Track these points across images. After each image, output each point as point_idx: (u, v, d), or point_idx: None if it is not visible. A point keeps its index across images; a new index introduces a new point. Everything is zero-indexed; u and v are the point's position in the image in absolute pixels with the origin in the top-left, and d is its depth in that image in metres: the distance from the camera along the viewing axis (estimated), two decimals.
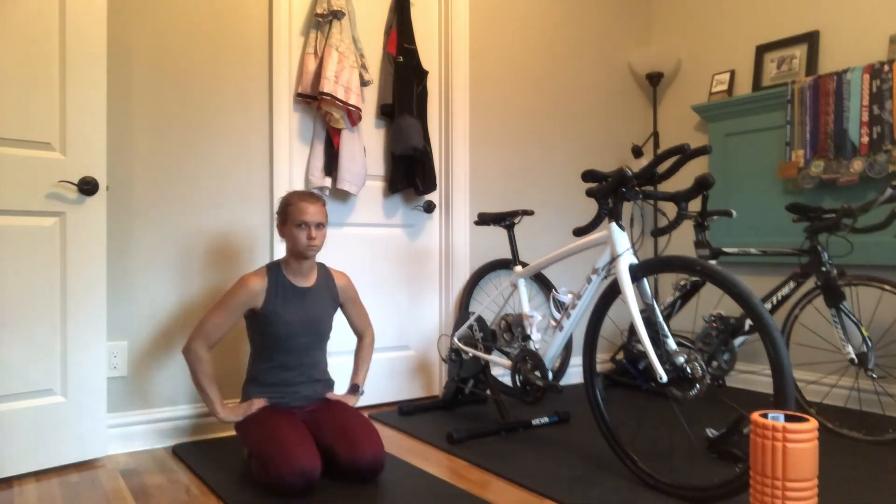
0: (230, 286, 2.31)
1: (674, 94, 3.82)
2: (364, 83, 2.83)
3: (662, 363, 1.95)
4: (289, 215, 2.12)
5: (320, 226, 2.13)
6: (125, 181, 2.39)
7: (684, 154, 2.04)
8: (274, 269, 2.17)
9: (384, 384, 3.04)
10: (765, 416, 1.49)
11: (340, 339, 2.89)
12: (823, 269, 2.49)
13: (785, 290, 2.56)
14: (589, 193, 2.20)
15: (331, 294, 2.27)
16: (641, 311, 2.02)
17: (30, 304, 2.08)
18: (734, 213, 2.74)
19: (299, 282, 2.18)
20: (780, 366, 1.69)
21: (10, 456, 2.05)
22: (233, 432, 2.57)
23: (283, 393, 2.17)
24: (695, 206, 3.61)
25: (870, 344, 2.42)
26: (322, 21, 2.71)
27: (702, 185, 2.05)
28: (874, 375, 2.43)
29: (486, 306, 3.22)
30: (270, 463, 1.88)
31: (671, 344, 1.99)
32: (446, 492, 1.94)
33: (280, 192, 2.70)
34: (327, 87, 2.61)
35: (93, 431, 2.21)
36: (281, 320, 2.12)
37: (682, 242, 3.73)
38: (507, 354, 2.73)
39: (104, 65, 2.21)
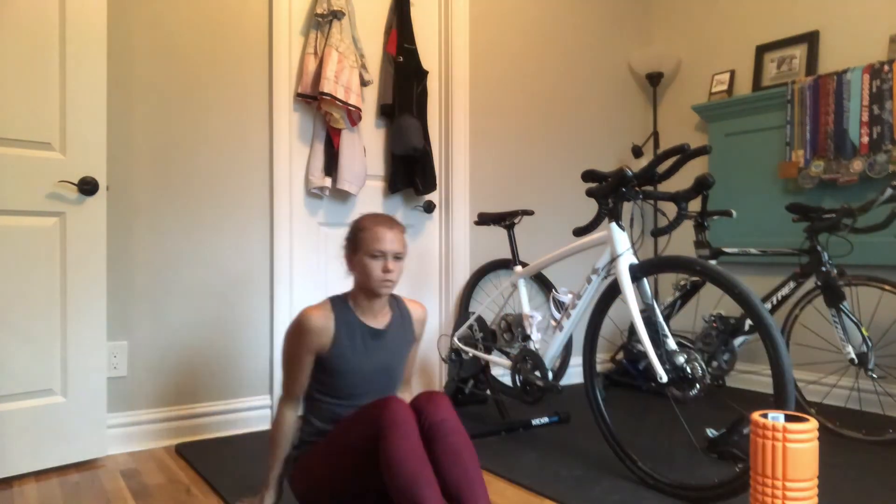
0: (289, 326, 1.75)
1: (674, 94, 3.82)
2: (364, 83, 2.83)
3: (662, 363, 1.95)
4: (361, 243, 1.73)
5: (398, 257, 1.74)
6: (125, 181, 2.39)
7: (684, 154, 2.04)
8: (339, 304, 1.77)
9: None
10: (765, 416, 1.49)
11: None
12: (823, 269, 2.49)
13: (785, 290, 2.56)
14: (589, 193, 2.19)
15: (406, 334, 1.87)
16: (641, 311, 2.02)
17: (30, 304, 2.08)
18: (734, 213, 2.74)
19: (370, 321, 1.79)
20: (780, 366, 1.70)
21: (10, 456, 2.05)
22: (232, 431, 2.57)
23: None
24: (695, 206, 3.61)
25: (870, 344, 2.42)
26: (322, 21, 2.71)
27: (702, 185, 2.05)
28: (874, 375, 2.43)
29: (486, 306, 3.22)
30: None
31: (671, 344, 1.99)
32: None
33: (280, 192, 2.70)
34: (327, 87, 2.61)
35: (93, 431, 2.21)
36: (349, 368, 1.74)
37: (682, 242, 3.72)
38: (507, 354, 2.73)
39: (104, 65, 2.21)
